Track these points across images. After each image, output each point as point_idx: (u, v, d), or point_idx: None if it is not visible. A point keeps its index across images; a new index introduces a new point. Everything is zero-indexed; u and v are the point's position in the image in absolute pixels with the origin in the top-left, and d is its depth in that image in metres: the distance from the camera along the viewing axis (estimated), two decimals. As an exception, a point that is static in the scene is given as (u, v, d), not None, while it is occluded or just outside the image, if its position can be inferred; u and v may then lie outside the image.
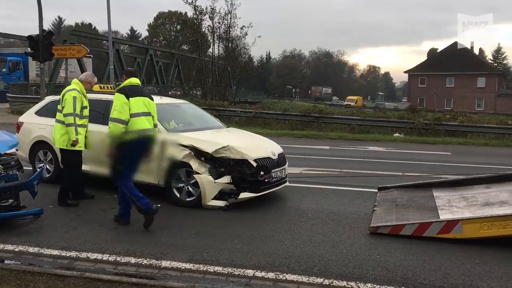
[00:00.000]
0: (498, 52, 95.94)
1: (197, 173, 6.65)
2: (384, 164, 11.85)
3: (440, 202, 6.60)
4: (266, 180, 6.87)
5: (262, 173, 6.79)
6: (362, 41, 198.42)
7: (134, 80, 6.19)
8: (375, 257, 4.96)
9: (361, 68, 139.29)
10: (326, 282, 4.32)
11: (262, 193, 6.92)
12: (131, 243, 5.21)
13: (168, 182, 6.90)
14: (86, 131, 6.97)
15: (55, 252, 4.88)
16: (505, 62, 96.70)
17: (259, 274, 4.45)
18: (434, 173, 10.15)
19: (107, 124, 7.23)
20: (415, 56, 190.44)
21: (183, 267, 4.56)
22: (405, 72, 74.02)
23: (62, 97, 6.79)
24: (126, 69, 6.85)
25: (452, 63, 64.45)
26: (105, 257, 4.79)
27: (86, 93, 7.01)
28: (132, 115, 5.91)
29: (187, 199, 6.79)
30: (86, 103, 6.95)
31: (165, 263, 4.64)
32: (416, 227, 5.56)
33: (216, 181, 6.61)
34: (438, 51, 77.81)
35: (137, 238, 5.38)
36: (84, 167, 7.33)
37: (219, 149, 6.74)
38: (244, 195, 6.70)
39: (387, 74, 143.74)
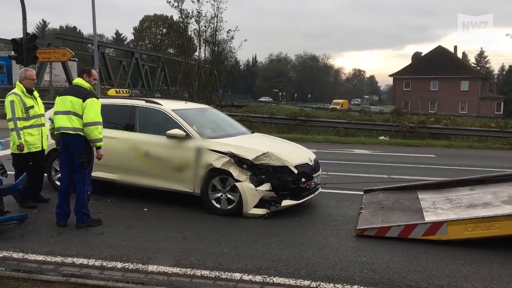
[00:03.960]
0: (480, 55, 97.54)
1: (238, 180, 6.46)
2: (369, 167, 11.93)
3: (425, 204, 6.67)
4: (307, 187, 6.76)
5: (303, 179, 6.66)
6: (346, 45, 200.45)
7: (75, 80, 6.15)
8: (362, 259, 4.99)
9: (347, 72, 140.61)
10: (313, 284, 4.34)
11: (303, 200, 6.79)
12: (117, 247, 5.17)
13: (205, 191, 6.66)
14: (41, 130, 6.71)
15: (40, 258, 4.82)
16: (487, 65, 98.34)
17: (246, 277, 4.45)
18: (419, 176, 10.24)
19: (133, 131, 7.21)
20: (399, 59, 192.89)
21: (170, 271, 4.54)
22: (390, 75, 74.77)
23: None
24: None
25: (436, 67, 65.28)
26: (91, 262, 4.74)
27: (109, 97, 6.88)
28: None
29: (225, 208, 6.58)
30: (31, 103, 6.64)
31: (152, 268, 4.62)
32: (401, 229, 5.60)
33: (257, 188, 6.43)
34: (422, 55, 78.71)
35: (124, 243, 5.34)
36: (111, 176, 7.23)
37: (259, 155, 6.56)
38: (286, 202, 6.53)
39: (372, 77, 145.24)
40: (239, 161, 6.53)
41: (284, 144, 7.94)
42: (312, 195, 7.07)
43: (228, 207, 6.57)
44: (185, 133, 6.84)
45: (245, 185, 6.43)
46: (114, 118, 7.44)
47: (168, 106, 7.40)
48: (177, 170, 6.83)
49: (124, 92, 8.01)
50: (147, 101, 7.54)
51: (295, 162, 6.75)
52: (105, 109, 7.63)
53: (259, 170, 6.52)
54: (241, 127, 8.50)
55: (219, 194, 6.64)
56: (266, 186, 6.48)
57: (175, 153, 6.85)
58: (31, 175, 6.51)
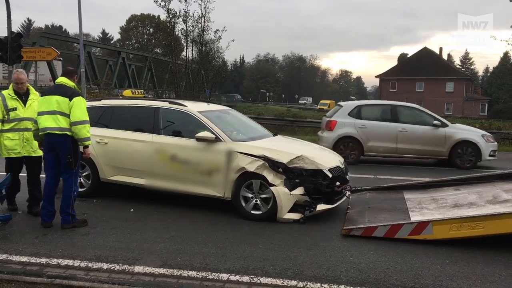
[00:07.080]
0: (465, 57, 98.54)
1: (272, 184, 6.28)
2: (356, 167, 11.99)
3: (411, 204, 6.73)
4: (342, 190, 6.68)
5: (338, 183, 6.55)
6: (332, 46, 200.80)
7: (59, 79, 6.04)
8: (348, 259, 5.01)
9: (334, 73, 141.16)
10: (300, 284, 4.34)
11: (336, 204, 6.67)
12: (103, 248, 5.12)
13: (236, 195, 6.49)
14: (22, 135, 6.29)
15: (25, 259, 4.77)
16: (472, 67, 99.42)
17: (233, 277, 4.45)
18: (405, 176, 10.33)
19: (158, 133, 6.99)
20: (385, 61, 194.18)
21: (156, 272, 4.52)
22: (376, 76, 75.27)
23: None
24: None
25: (422, 68, 65.97)
26: (76, 263, 4.70)
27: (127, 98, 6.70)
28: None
29: (258, 212, 6.42)
30: (14, 105, 6.28)
31: (138, 269, 4.58)
32: (388, 229, 5.64)
33: (291, 193, 6.27)
34: (408, 56, 79.41)
35: (110, 244, 5.30)
36: (135, 180, 7.05)
37: (293, 159, 6.38)
38: (320, 207, 6.38)
39: (359, 78, 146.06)
40: (273, 164, 6.36)
41: (312, 147, 7.81)
42: (344, 198, 6.96)
43: (261, 212, 6.42)
44: (214, 136, 6.66)
45: (280, 189, 6.27)
46: (136, 120, 7.32)
47: (193, 107, 7.18)
48: (206, 174, 6.64)
49: (139, 92, 7.90)
50: (170, 103, 7.38)
51: (329, 166, 6.62)
52: (125, 110, 7.55)
53: (292, 174, 6.35)
54: (263, 129, 8.26)
55: (251, 199, 6.49)
56: (299, 190, 6.32)
57: (204, 156, 6.66)
58: (16, 180, 6.43)
